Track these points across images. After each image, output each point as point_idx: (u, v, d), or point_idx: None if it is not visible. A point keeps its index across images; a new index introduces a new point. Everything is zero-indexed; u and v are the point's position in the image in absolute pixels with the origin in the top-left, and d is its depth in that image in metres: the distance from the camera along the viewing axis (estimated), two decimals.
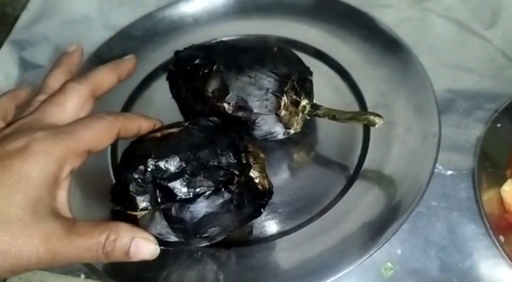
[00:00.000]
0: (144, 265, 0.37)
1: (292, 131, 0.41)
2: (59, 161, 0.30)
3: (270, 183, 0.37)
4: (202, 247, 0.37)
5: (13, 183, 0.28)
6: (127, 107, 0.49)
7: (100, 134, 0.32)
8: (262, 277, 0.35)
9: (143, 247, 0.31)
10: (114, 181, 0.43)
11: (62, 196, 0.31)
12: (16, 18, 0.59)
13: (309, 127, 0.44)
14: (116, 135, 0.34)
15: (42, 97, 0.34)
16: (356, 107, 0.45)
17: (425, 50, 0.48)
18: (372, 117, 0.38)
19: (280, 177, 0.42)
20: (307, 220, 0.39)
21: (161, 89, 0.49)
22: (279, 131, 0.40)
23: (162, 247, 0.36)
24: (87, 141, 0.31)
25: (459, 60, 0.48)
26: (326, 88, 0.47)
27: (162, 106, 0.48)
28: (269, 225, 0.39)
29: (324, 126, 0.45)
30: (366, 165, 0.41)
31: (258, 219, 0.39)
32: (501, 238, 0.34)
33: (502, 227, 0.35)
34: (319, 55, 0.49)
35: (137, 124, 0.35)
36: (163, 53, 0.51)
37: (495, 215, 0.35)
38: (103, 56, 0.51)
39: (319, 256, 0.35)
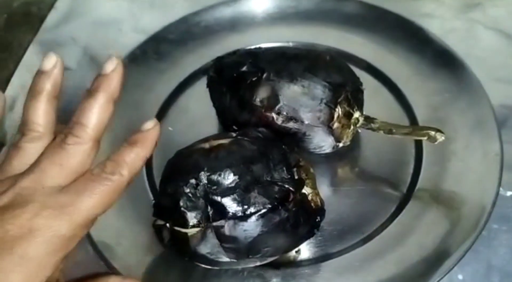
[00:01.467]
0: None
1: (341, 144, 0.39)
2: (66, 239, 0.27)
3: (322, 200, 0.35)
4: (248, 267, 0.34)
5: (12, 267, 0.25)
6: (160, 115, 0.46)
7: (107, 199, 0.28)
8: None
9: None
10: (149, 192, 0.41)
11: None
12: (41, 18, 0.57)
13: (354, 141, 0.41)
14: (125, 190, 0.29)
15: (28, 138, 0.29)
16: (406, 122, 0.42)
17: (474, 63, 0.46)
18: (433, 132, 0.35)
19: (326, 193, 0.40)
20: (359, 241, 0.36)
21: (197, 96, 0.47)
22: (329, 145, 0.38)
23: (208, 267, 0.34)
24: (94, 210, 0.28)
25: (511, 74, 0.46)
26: (373, 101, 0.43)
27: (198, 114, 0.46)
28: (318, 245, 0.37)
29: (370, 140, 0.42)
30: (420, 183, 0.38)
31: None
32: None
33: None
34: (364, 65, 0.46)
35: (142, 159, 0.30)
36: (198, 58, 0.49)
37: None
38: (137, 59, 0.48)
39: None
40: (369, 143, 0.42)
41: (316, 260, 0.36)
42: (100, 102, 0.29)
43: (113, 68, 0.30)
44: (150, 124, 0.31)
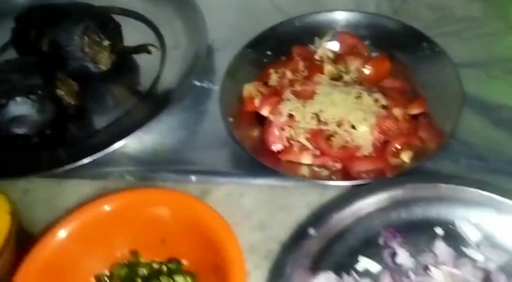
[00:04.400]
0: None
1: (103, 67, 0.55)
2: None
3: (80, 102, 0.51)
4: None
5: None
6: None
7: None
8: None
9: None
10: None
11: None
12: None
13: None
14: None
15: None
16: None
17: None
18: (149, 47, 0.52)
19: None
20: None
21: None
22: (90, 66, 0.54)
23: None
24: None
25: None
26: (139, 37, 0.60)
27: None
28: None
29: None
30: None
31: None
32: (230, 119, 0.48)
33: (232, 112, 0.49)
34: (137, 16, 0.63)
35: None
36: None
37: (231, 104, 0.49)
38: None
39: None
40: None
41: None
42: None
43: None
44: None
